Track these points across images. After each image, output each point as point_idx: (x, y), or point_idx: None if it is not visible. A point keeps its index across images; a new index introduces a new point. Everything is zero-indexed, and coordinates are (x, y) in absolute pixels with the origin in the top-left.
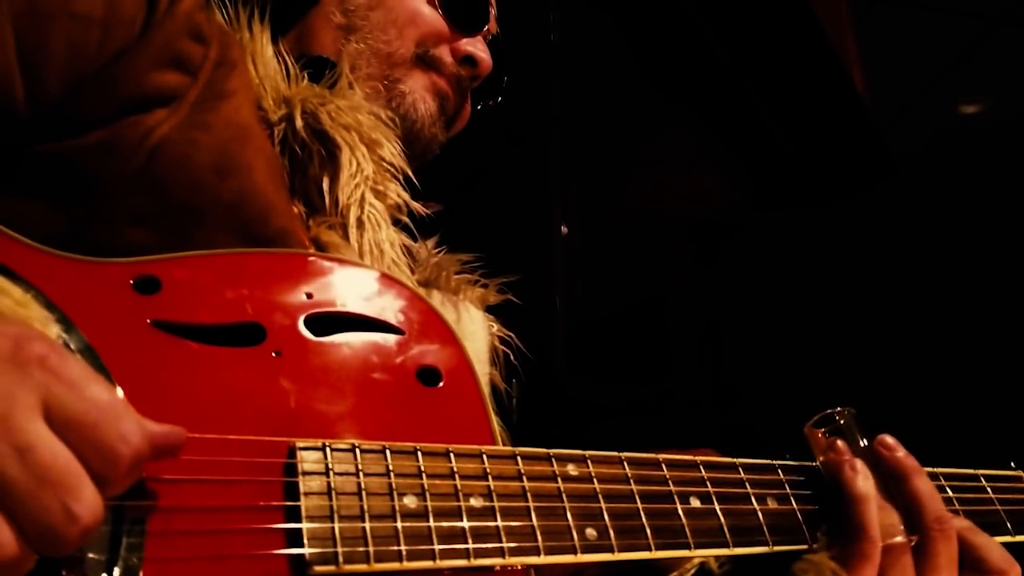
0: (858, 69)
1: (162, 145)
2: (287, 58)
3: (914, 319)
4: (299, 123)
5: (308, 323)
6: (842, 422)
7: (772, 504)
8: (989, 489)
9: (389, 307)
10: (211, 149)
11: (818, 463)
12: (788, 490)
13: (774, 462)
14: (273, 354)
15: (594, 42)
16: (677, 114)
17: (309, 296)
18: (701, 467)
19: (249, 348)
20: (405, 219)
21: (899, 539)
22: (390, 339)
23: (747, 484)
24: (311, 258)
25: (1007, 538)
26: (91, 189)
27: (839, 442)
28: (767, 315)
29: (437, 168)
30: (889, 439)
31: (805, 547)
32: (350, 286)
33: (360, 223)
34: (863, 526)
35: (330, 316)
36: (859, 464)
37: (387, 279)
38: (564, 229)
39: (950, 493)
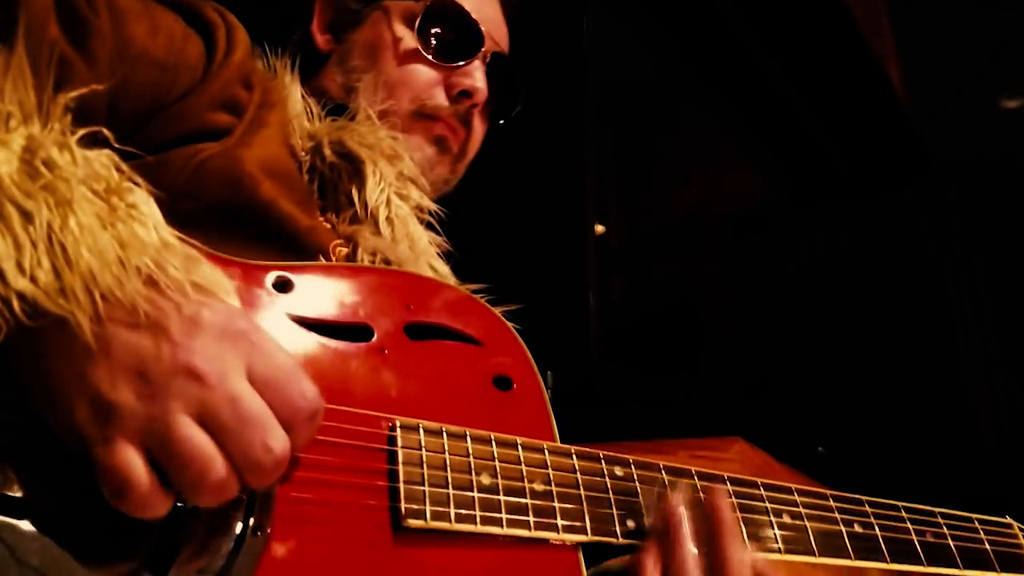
0: (895, 65)
1: (206, 161)
2: (311, 102)
3: (950, 316)
4: (327, 150)
5: (407, 329)
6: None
7: None
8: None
9: (472, 322)
10: (250, 160)
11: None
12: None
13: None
14: (380, 351)
15: (630, 41)
16: (715, 113)
17: (409, 308)
18: (728, 482)
19: (361, 344)
20: (429, 218)
21: None
22: (472, 349)
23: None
24: (412, 276)
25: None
26: None
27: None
28: (804, 308)
29: (474, 170)
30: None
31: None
32: (442, 302)
33: (390, 220)
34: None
35: (425, 325)
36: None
37: (471, 299)
38: (600, 228)
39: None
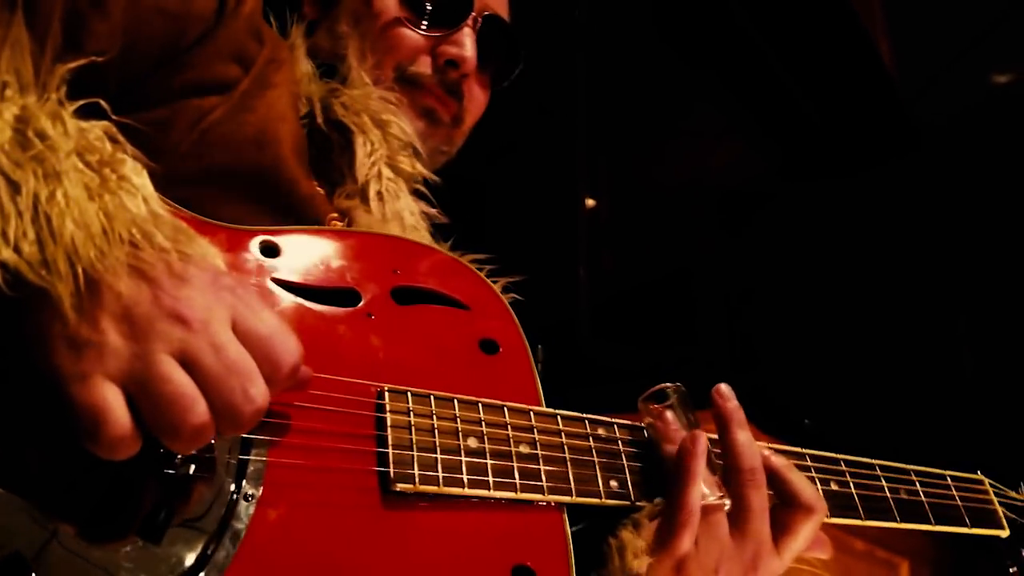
0: (885, 40)
1: (212, 127)
2: (310, 63)
3: (938, 291)
4: (319, 118)
5: (394, 293)
6: (673, 398)
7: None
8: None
9: (459, 286)
10: (254, 125)
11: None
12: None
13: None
14: (367, 316)
15: (621, 16)
16: (705, 86)
17: (396, 272)
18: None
19: (348, 309)
20: (422, 188)
21: (713, 500)
22: (458, 313)
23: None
24: (400, 240)
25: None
26: (149, 157)
27: (668, 413)
28: (792, 283)
29: (467, 142)
30: (724, 388)
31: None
32: (429, 266)
33: (379, 195)
34: (687, 502)
35: (412, 289)
36: (700, 441)
37: (458, 263)
38: (591, 201)
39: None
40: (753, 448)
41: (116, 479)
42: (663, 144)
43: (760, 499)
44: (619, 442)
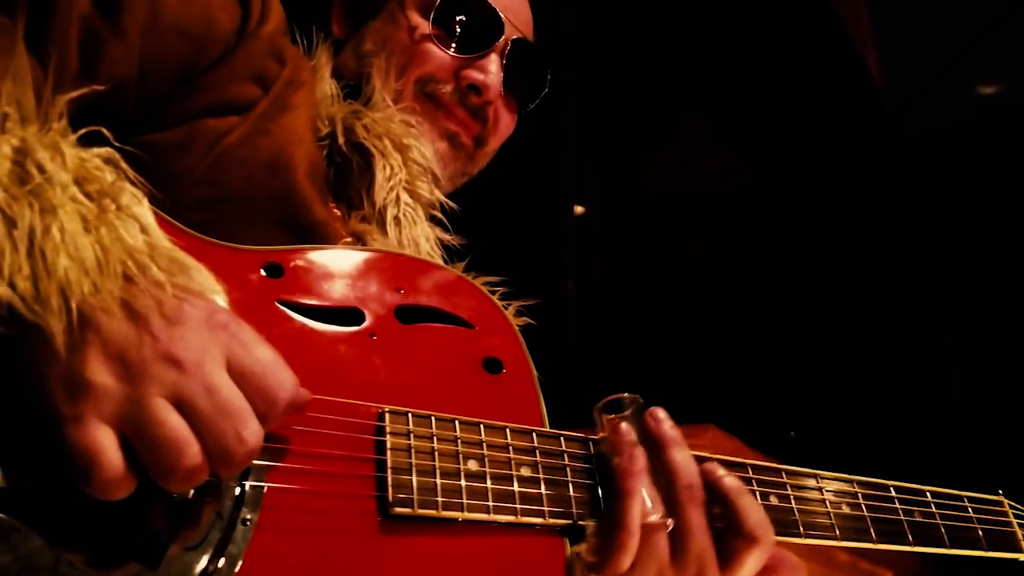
0: (872, 51)
1: (227, 151)
2: (333, 83)
3: (925, 302)
4: (340, 139)
5: (398, 312)
6: (629, 409)
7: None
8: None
9: (463, 304)
10: (268, 149)
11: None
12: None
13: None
14: (370, 336)
15: (609, 25)
16: (692, 97)
17: (400, 290)
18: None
19: (351, 329)
20: (439, 215)
21: (654, 519)
22: (462, 332)
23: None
24: (404, 258)
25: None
26: (164, 180)
27: (623, 425)
28: (779, 294)
29: None
30: (659, 412)
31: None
32: (433, 284)
33: (397, 220)
34: (625, 521)
35: (416, 308)
36: (638, 458)
37: (463, 281)
38: (580, 210)
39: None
40: (690, 466)
41: (117, 503)
42: (651, 153)
43: (699, 516)
44: None
